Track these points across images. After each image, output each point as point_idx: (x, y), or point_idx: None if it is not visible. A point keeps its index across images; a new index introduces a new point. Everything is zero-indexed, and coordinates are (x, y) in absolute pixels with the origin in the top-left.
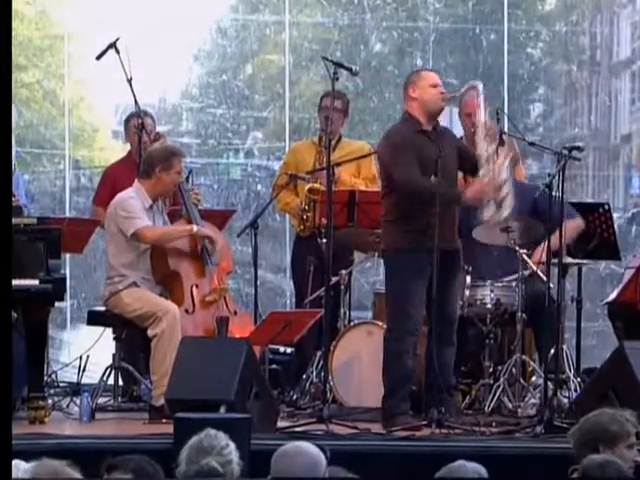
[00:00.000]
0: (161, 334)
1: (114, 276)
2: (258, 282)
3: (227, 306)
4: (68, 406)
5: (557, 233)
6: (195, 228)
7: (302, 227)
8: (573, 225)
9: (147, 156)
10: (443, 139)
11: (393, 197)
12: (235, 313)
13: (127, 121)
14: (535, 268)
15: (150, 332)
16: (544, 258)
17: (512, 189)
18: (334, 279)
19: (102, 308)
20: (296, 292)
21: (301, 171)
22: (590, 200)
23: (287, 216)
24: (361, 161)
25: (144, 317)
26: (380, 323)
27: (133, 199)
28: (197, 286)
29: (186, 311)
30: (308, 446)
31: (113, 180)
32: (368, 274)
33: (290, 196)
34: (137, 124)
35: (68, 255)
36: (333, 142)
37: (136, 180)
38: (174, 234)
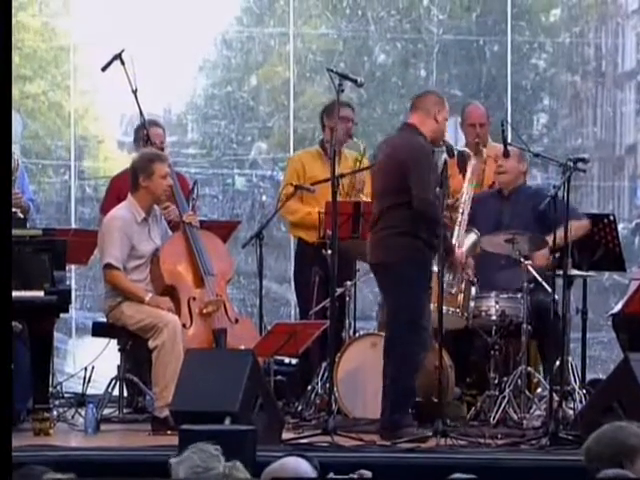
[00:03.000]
0: (162, 345)
1: (112, 289)
2: (263, 292)
3: (227, 314)
4: (73, 417)
5: (559, 233)
6: (147, 298)
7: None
8: (580, 225)
9: (130, 169)
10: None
11: (407, 208)
12: (236, 321)
13: (138, 131)
14: (540, 279)
15: (151, 344)
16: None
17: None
18: (339, 290)
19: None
20: (300, 303)
21: (310, 179)
22: (595, 211)
23: None
24: (365, 176)
25: (146, 329)
26: (384, 334)
27: (118, 221)
28: (194, 298)
29: (183, 325)
30: (295, 460)
31: (118, 190)
32: (372, 285)
33: (306, 207)
34: (143, 136)
35: (74, 266)
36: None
37: (129, 195)
38: (128, 290)
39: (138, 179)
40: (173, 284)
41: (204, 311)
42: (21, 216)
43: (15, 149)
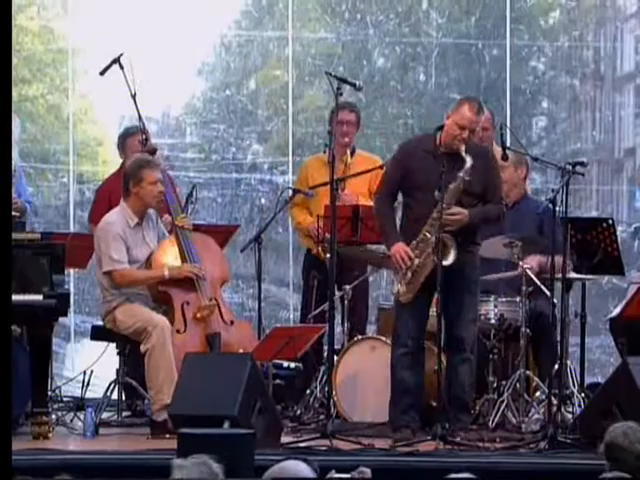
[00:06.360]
0: (152, 349)
1: (107, 295)
2: (262, 296)
3: (222, 317)
4: (72, 421)
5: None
6: (166, 272)
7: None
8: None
9: (122, 175)
10: (455, 165)
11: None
12: (231, 323)
13: (123, 137)
14: (539, 283)
15: (142, 347)
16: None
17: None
18: (338, 294)
19: None
20: (302, 306)
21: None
22: (594, 214)
23: (290, 230)
24: (372, 176)
25: (137, 333)
26: (383, 338)
27: (113, 225)
28: (188, 303)
29: (177, 331)
30: (295, 463)
31: (108, 195)
32: (371, 289)
33: (301, 215)
34: (141, 139)
35: (72, 270)
36: (349, 155)
37: (121, 200)
38: (144, 280)
39: (129, 185)
40: (166, 291)
41: (198, 315)
42: (19, 220)
43: (13, 152)
